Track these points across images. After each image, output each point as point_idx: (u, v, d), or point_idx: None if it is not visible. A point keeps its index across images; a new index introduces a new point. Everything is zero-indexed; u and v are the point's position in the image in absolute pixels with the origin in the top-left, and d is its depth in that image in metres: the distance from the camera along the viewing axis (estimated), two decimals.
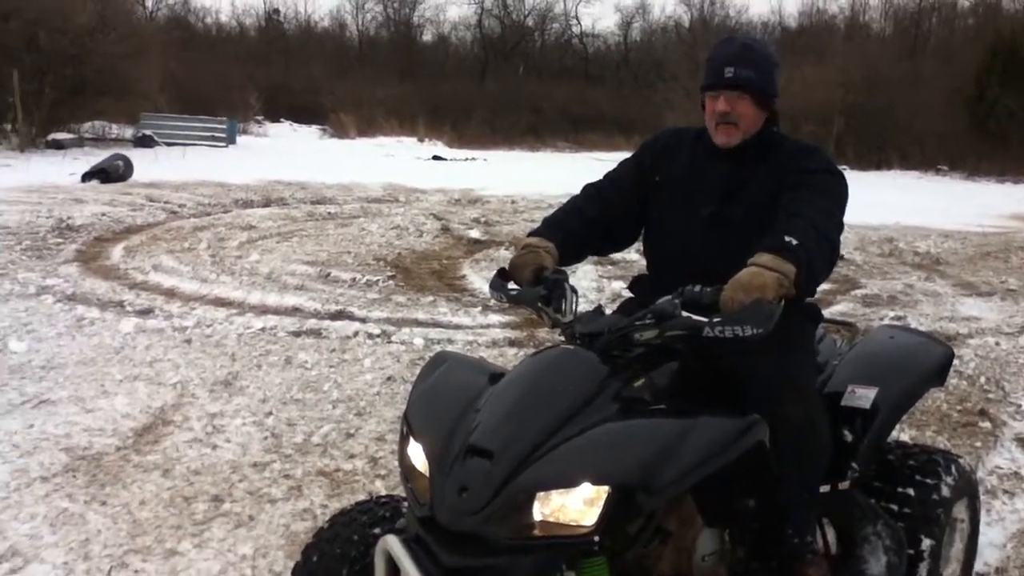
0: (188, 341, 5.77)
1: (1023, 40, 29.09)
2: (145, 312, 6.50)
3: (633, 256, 8.62)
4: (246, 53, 44.16)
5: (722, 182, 2.46)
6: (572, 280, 2.33)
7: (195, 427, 4.29)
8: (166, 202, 12.64)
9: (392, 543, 1.94)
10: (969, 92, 28.68)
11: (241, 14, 57.39)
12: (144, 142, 22.64)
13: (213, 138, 24.96)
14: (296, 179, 16.47)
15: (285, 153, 23.73)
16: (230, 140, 25.59)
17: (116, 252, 8.88)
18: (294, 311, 6.74)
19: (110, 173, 14.72)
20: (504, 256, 9.18)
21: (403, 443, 2.12)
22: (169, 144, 22.75)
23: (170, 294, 7.15)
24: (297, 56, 45.63)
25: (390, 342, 5.94)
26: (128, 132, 24.20)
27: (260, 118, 37.14)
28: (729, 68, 2.39)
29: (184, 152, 20.73)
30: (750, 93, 2.41)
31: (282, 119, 39.41)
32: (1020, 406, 5.02)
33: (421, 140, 34.95)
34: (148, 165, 16.60)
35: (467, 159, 26.78)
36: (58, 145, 20.01)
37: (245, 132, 31.35)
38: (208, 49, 41.51)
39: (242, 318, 6.41)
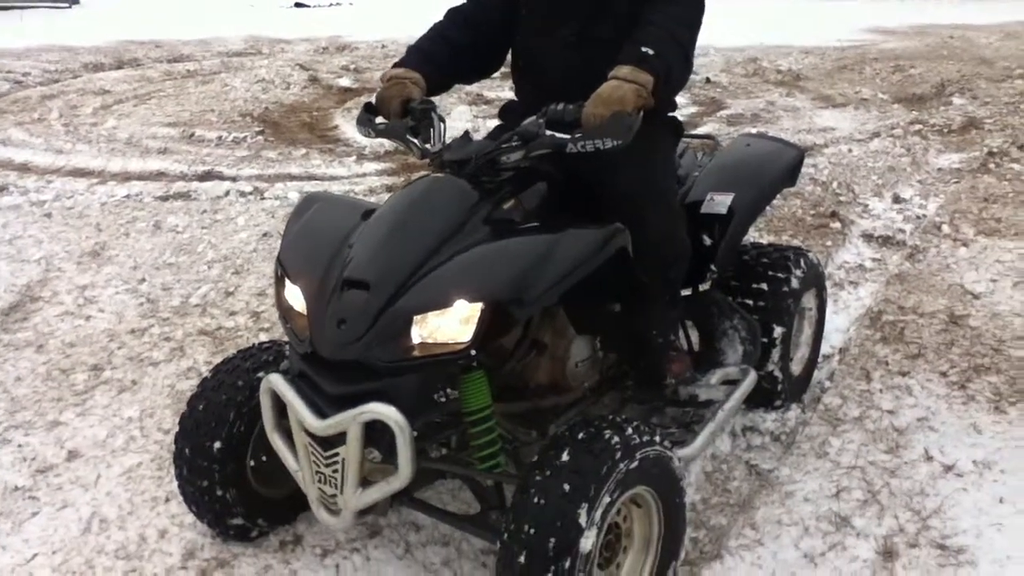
0: (48, 215, 5.50)
1: None
2: None
3: (508, 93, 8.52)
4: None
5: (587, 1, 2.41)
6: (448, 120, 2.31)
7: (65, 300, 4.17)
8: (8, 72, 11.60)
9: (276, 381, 1.98)
10: None
11: None
12: None
13: None
14: (149, 37, 15.35)
15: (134, 10, 21.95)
16: (72, 0, 23.47)
17: None
18: (159, 175, 6.46)
19: None
20: None
21: (279, 286, 2.12)
22: (3, 8, 20.68)
23: (23, 168, 6.72)
24: None
25: (263, 198, 5.80)
26: None
27: None
28: None
29: (21, 16, 18.96)
30: None
31: None
32: (867, 206, 5.37)
33: None
34: None
35: (332, 4, 25.49)
36: None
37: None
38: None
39: (104, 187, 6.12)
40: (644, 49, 2.10)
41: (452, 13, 2.59)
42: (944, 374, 3.28)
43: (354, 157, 6.91)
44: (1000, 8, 20.43)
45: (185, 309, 4.06)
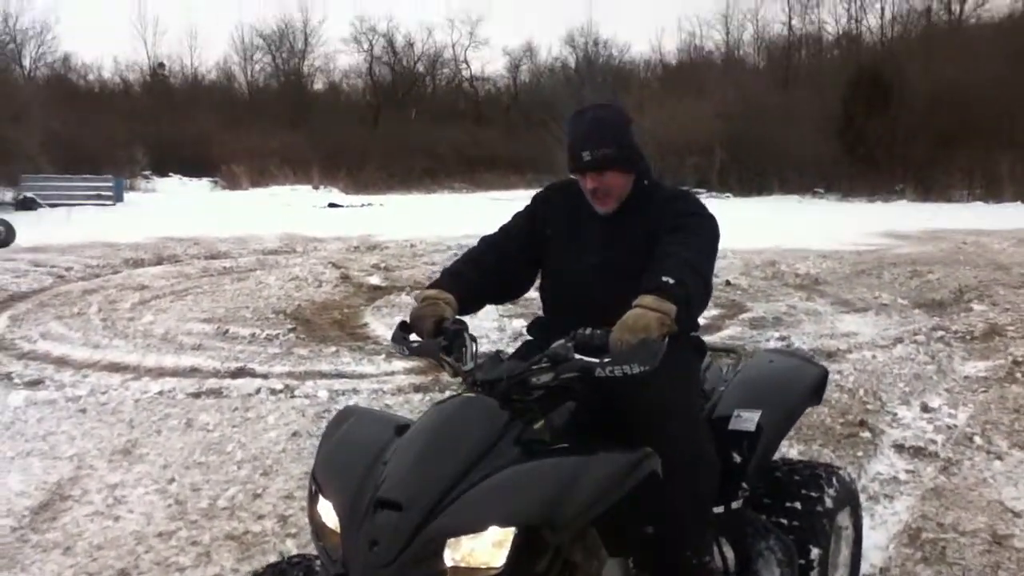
0: (83, 411, 5.59)
1: (883, 69, 31.17)
2: (35, 383, 6.27)
3: (532, 294, 8.76)
4: (131, 109, 43.51)
5: (602, 239, 2.60)
6: (474, 320, 2.42)
7: (95, 500, 4.17)
8: (52, 266, 12.19)
9: None
10: (838, 118, 30.48)
11: (124, 70, 55.83)
12: (26, 204, 21.87)
13: (99, 197, 24.27)
14: (188, 234, 16.14)
15: (175, 208, 23.23)
16: (117, 198, 24.96)
17: (1, 322, 8.52)
18: (192, 372, 6.60)
19: None
20: (406, 301, 9.22)
21: (312, 502, 2.15)
22: (53, 206, 22.01)
23: (61, 362, 6.91)
24: (185, 109, 44.83)
25: (293, 396, 5.89)
26: (8, 195, 23.27)
27: (148, 173, 36.36)
28: (585, 152, 2.52)
29: (69, 212, 20.06)
30: (611, 168, 2.54)
31: (171, 173, 38.63)
32: (896, 415, 5.34)
33: (316, 188, 34.74)
34: (31, 228, 16.01)
35: (364, 204, 26.82)
36: None
37: (132, 188, 30.65)
38: (91, 106, 40.50)
39: (138, 383, 6.25)
40: (665, 279, 2.22)
41: (483, 240, 2.78)
42: None
43: (383, 356, 7.04)
44: (1010, 213, 21.09)
45: (213, 511, 4.04)
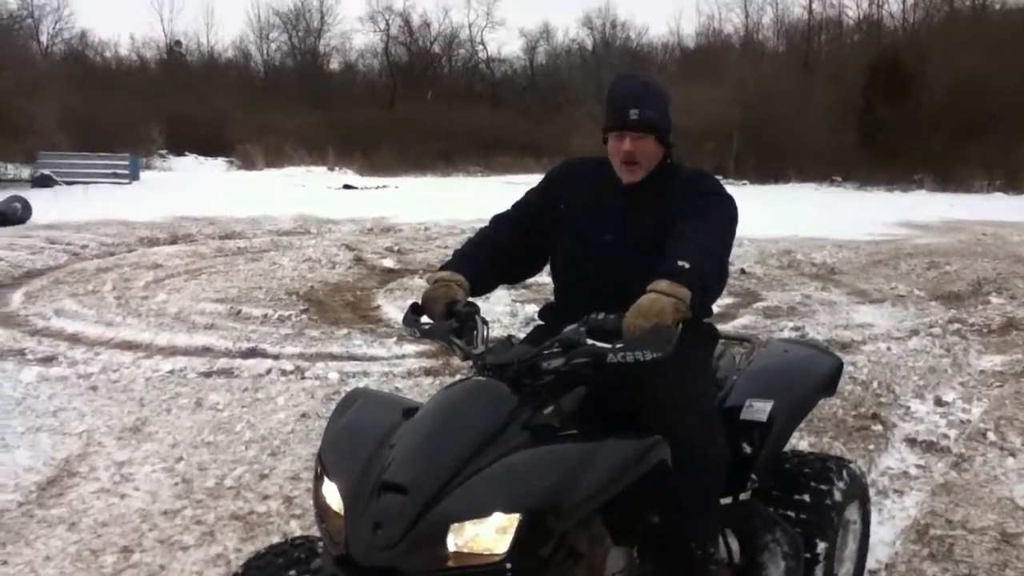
0: (94, 388, 5.62)
1: (904, 55, 30.80)
2: (48, 360, 6.30)
3: (545, 279, 8.68)
4: (148, 87, 43.54)
5: (621, 211, 2.55)
6: (486, 305, 2.38)
7: (102, 477, 4.19)
8: (68, 243, 12.24)
9: None
10: (857, 106, 30.15)
11: (141, 47, 56.08)
12: (43, 182, 21.95)
13: (115, 175, 24.30)
14: (203, 214, 16.17)
15: (191, 187, 23.26)
16: (133, 176, 24.98)
17: (16, 298, 8.58)
18: (204, 351, 6.62)
19: (7, 215, 14.25)
20: (418, 284, 9.21)
21: (317, 483, 2.14)
22: (69, 183, 22.07)
23: (74, 339, 6.94)
24: (201, 88, 44.76)
25: (304, 378, 5.89)
26: (25, 172, 23.42)
27: (164, 152, 36.46)
28: (634, 110, 2.47)
29: (86, 190, 20.12)
30: (654, 133, 2.50)
31: (187, 152, 38.70)
32: (909, 408, 5.29)
33: (331, 169, 34.75)
34: (47, 205, 16.08)
35: (378, 187, 26.77)
36: None
37: (149, 167, 30.72)
38: (108, 84, 40.62)
39: (150, 361, 6.26)
40: (680, 263, 2.17)
41: (495, 218, 2.73)
42: None
43: (394, 339, 7.03)
44: None
45: (219, 491, 4.05)
